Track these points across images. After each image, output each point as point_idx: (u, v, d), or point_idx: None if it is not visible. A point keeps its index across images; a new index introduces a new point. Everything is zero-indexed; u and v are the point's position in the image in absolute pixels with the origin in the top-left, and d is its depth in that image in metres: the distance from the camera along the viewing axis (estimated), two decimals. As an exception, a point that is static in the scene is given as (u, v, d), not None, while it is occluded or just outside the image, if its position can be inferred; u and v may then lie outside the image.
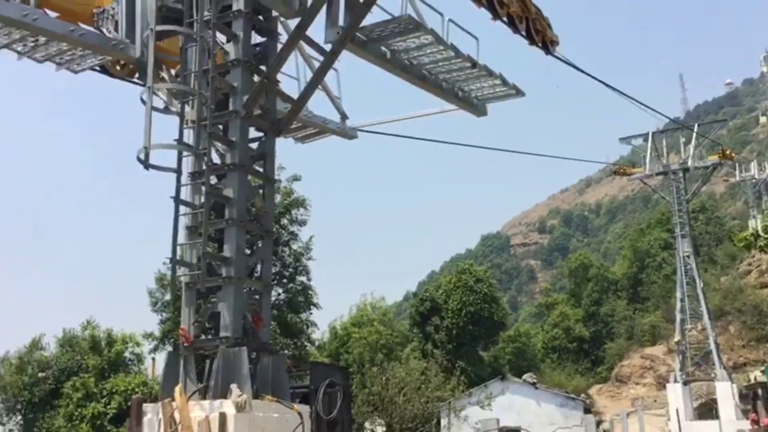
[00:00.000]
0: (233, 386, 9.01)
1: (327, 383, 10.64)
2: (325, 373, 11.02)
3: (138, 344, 41.76)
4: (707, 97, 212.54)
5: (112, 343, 42.23)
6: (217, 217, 10.23)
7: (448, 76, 12.80)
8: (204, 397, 9.40)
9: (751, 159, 63.99)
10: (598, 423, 48.05)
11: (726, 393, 40.19)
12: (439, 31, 11.48)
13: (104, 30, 11.31)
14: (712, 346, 41.45)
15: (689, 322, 42.72)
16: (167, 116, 10.95)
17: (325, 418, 10.38)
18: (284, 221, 32.51)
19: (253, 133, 10.74)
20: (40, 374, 42.29)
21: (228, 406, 8.85)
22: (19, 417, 42.75)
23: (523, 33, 12.38)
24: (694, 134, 45.53)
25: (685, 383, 41.74)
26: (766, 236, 54.05)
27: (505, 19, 11.80)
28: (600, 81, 16.84)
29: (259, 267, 10.68)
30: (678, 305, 43.32)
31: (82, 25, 11.09)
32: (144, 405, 9.78)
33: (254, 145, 10.78)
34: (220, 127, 10.40)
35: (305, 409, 9.86)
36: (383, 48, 11.68)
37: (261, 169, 10.83)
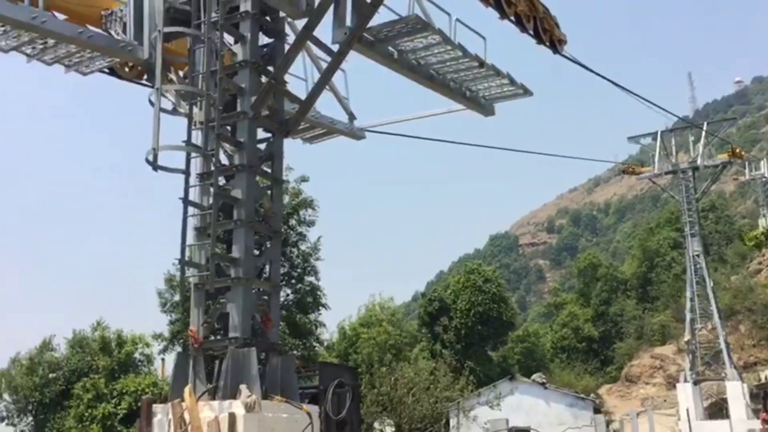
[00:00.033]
0: (242, 387, 9.02)
1: (336, 383, 10.64)
2: (334, 374, 11.02)
3: (148, 345, 41.96)
4: (716, 95, 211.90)
5: (122, 344, 42.42)
6: (225, 218, 10.25)
7: (456, 75, 12.78)
8: (213, 398, 9.41)
9: (761, 157, 63.49)
10: (608, 423, 47.88)
11: (736, 392, 40.00)
12: (447, 30, 11.47)
13: (112, 32, 11.36)
14: (723, 346, 41.25)
15: (699, 321, 42.53)
16: (175, 117, 10.99)
17: (334, 418, 10.38)
18: (292, 222, 32.57)
19: (261, 134, 10.75)
20: (50, 375, 42.51)
21: (237, 407, 8.87)
22: (30, 418, 42.99)
23: (531, 32, 12.35)
24: (704, 133, 45.31)
25: (695, 383, 41.56)
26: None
27: (512, 18, 11.77)
28: (608, 80, 16.78)
29: (267, 268, 10.69)
30: (688, 304, 43.13)
31: (91, 28, 11.14)
32: (154, 405, 9.80)
33: (262, 146, 10.79)
34: (228, 128, 10.42)
35: (314, 409, 9.86)
36: (390, 48, 11.68)
37: (269, 170, 10.83)
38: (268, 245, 10.86)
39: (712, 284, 43.13)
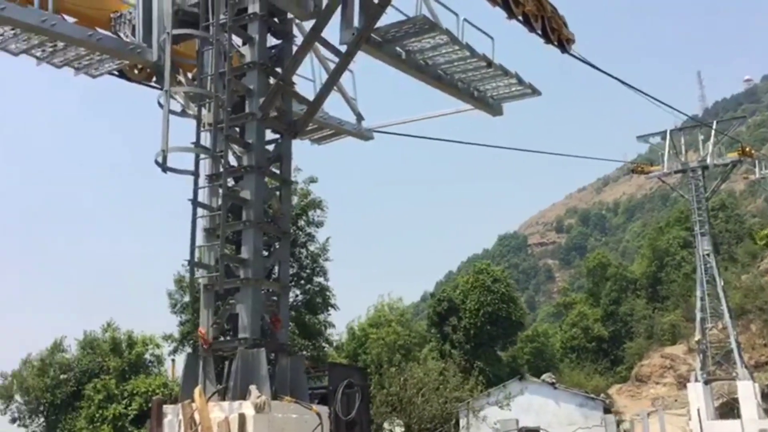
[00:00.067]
0: (252, 387, 9.04)
1: (345, 384, 10.65)
2: (343, 374, 11.03)
3: (158, 346, 42.10)
4: (726, 94, 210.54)
5: (133, 345, 42.58)
6: (234, 219, 10.28)
7: (464, 75, 12.78)
8: (223, 398, 9.44)
9: (771, 156, 63.26)
10: (618, 423, 47.73)
11: (748, 392, 39.80)
12: (454, 31, 11.46)
13: (121, 34, 11.41)
14: (733, 345, 41.07)
15: (710, 320, 42.34)
16: (184, 119, 11.02)
17: (343, 418, 10.40)
18: (301, 223, 32.61)
19: (269, 135, 10.78)
20: (61, 376, 42.70)
21: (247, 407, 8.89)
22: (42, 419, 43.18)
23: (539, 32, 12.33)
24: (713, 131, 45.10)
25: (706, 382, 41.38)
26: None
27: (520, 17, 11.75)
28: (617, 79, 16.73)
29: (276, 268, 10.71)
30: (698, 304, 42.94)
31: (100, 30, 11.20)
32: (164, 406, 9.84)
33: (271, 147, 10.82)
34: (237, 129, 10.45)
35: (324, 409, 9.88)
36: (398, 48, 11.69)
37: (278, 171, 10.86)
38: (277, 246, 10.88)
39: (722, 283, 42.94)
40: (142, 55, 11.09)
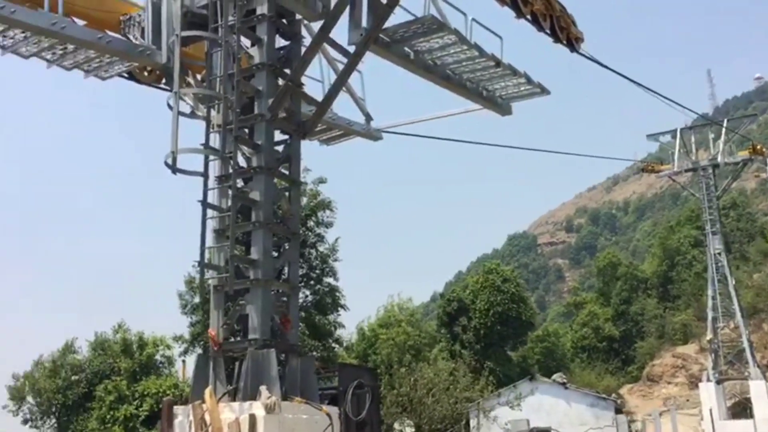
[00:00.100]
0: (262, 388, 9.05)
1: (355, 384, 10.65)
2: (353, 375, 11.03)
3: (168, 347, 42.25)
4: (736, 92, 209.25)
5: (144, 346, 42.74)
6: (244, 220, 10.30)
7: (472, 75, 12.76)
8: (234, 399, 9.46)
9: (782, 154, 62.84)
10: (630, 423, 47.54)
11: (760, 391, 39.56)
12: (463, 30, 11.45)
13: (131, 37, 11.47)
14: (746, 344, 40.85)
15: (721, 320, 42.12)
16: (193, 121, 11.06)
17: (354, 419, 10.40)
18: (310, 223, 32.62)
19: (278, 135, 10.80)
20: (73, 377, 42.92)
21: (257, 408, 8.90)
22: (53, 420, 43.43)
23: (548, 31, 12.31)
24: (724, 130, 44.87)
25: (718, 382, 41.16)
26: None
27: (528, 17, 11.75)
28: (626, 78, 16.69)
29: (286, 269, 10.72)
30: (710, 303, 42.73)
31: (109, 33, 11.26)
32: (175, 407, 9.86)
33: (280, 148, 10.84)
34: (246, 130, 10.47)
35: (334, 410, 9.88)
36: (407, 49, 11.69)
37: (287, 172, 10.88)
38: (287, 247, 10.89)
39: (734, 282, 42.72)
40: (151, 57, 11.14)
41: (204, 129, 10.22)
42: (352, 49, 10.77)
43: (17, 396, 43.34)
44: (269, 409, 8.82)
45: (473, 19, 11.52)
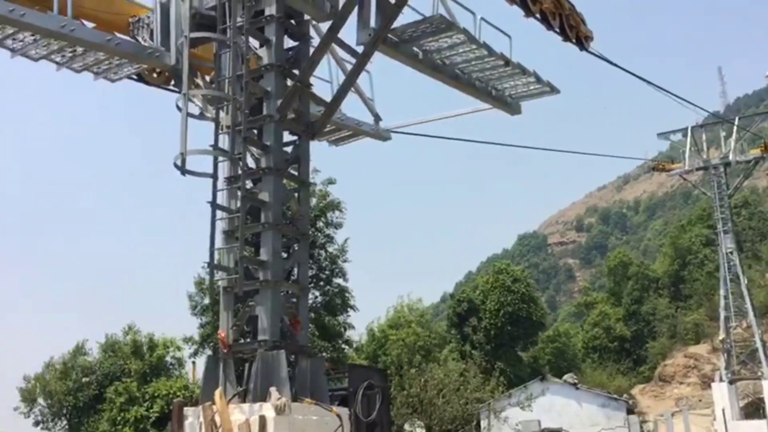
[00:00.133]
0: (272, 389, 9.04)
1: (366, 385, 10.62)
2: (363, 375, 11.01)
3: (179, 348, 42.34)
4: (747, 89, 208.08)
5: (154, 347, 42.86)
6: (253, 221, 10.30)
7: (481, 75, 12.72)
8: (244, 400, 9.46)
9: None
10: (642, 423, 47.35)
11: (773, 391, 39.30)
12: (471, 30, 11.42)
13: (140, 39, 11.50)
14: (758, 344, 40.59)
15: (734, 319, 41.87)
16: (202, 122, 11.07)
17: (364, 420, 10.37)
18: (320, 224, 32.64)
19: (287, 136, 10.79)
20: (84, 379, 43.09)
21: (267, 409, 8.89)
22: (65, 421, 43.61)
23: (557, 29, 12.26)
24: (735, 128, 44.58)
25: (730, 382, 40.90)
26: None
27: (538, 15, 11.70)
28: (636, 76, 16.62)
29: (295, 270, 10.71)
30: (722, 302, 42.49)
31: (118, 35, 11.29)
32: (185, 408, 9.87)
33: (289, 149, 10.83)
34: (255, 131, 10.47)
35: (344, 411, 9.86)
36: (415, 48, 11.66)
37: (296, 173, 10.87)
38: (296, 248, 10.88)
39: (746, 281, 42.46)
40: (160, 59, 11.15)
41: (213, 130, 10.24)
42: (360, 49, 10.75)
43: (28, 398, 43.56)
44: (279, 411, 8.81)
45: (482, 18, 11.50)
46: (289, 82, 10.63)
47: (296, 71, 10.78)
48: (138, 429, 38.38)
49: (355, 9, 10.49)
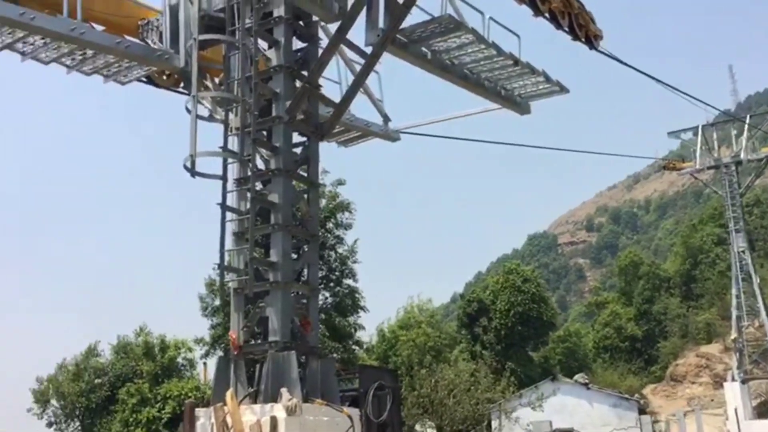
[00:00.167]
0: (283, 390, 9.06)
1: (376, 386, 10.62)
2: (374, 376, 11.01)
3: (190, 350, 42.46)
4: (758, 87, 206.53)
5: (165, 348, 42.98)
6: (263, 223, 10.32)
7: (490, 74, 12.70)
8: (255, 401, 9.48)
9: (806, 150, 61.94)
10: (654, 423, 47.14)
11: (787, 391, 39.08)
12: (480, 29, 11.41)
13: (149, 41, 11.55)
14: (771, 343, 40.33)
15: (746, 318, 41.61)
16: (212, 124, 11.10)
17: (375, 420, 10.36)
18: (329, 225, 32.67)
19: (296, 138, 10.80)
20: (96, 381, 43.27)
21: (279, 410, 8.90)
22: (77, 423, 43.81)
23: (566, 29, 12.23)
24: (746, 126, 44.31)
25: (743, 381, 40.65)
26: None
27: (547, 15, 11.67)
28: (646, 74, 16.55)
29: (305, 271, 10.73)
30: (734, 302, 42.24)
31: (128, 38, 11.33)
32: (197, 409, 9.90)
33: (298, 150, 10.84)
34: (264, 133, 10.49)
35: (355, 412, 9.86)
36: (424, 49, 11.66)
37: (305, 174, 10.88)
38: (306, 249, 10.90)
39: (758, 280, 42.19)
40: (169, 62, 11.19)
41: (222, 132, 10.27)
42: (369, 50, 10.76)
43: (41, 399, 43.81)
44: (290, 411, 8.82)
45: (490, 18, 11.48)
46: (298, 84, 10.64)
47: (305, 72, 10.80)
48: (150, 430, 38.48)
49: (364, 10, 10.50)
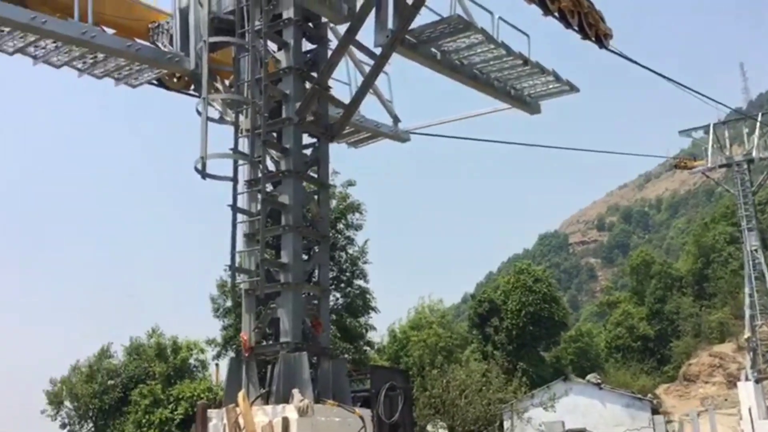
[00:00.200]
0: (295, 391, 9.07)
1: (388, 386, 10.61)
2: (385, 377, 11.01)
3: (202, 351, 42.65)
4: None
5: (178, 350, 43.17)
6: (273, 224, 10.34)
7: (500, 74, 12.68)
8: (267, 402, 9.50)
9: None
10: (667, 423, 46.91)
11: (800, 390, 38.78)
12: (489, 29, 11.39)
13: (159, 44, 11.62)
14: (785, 342, 40.06)
15: (759, 317, 41.31)
16: (222, 126, 11.15)
17: (386, 421, 10.36)
18: (340, 226, 32.70)
19: (306, 139, 10.82)
20: (109, 382, 43.50)
21: (290, 411, 8.92)
22: (91, 424, 44.05)
23: (576, 27, 12.19)
24: (758, 124, 43.99)
25: (756, 381, 40.36)
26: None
27: (556, 14, 11.64)
28: (657, 73, 16.48)
29: (316, 272, 10.75)
30: (747, 301, 41.95)
31: (139, 41, 11.40)
32: (209, 411, 9.94)
33: (308, 152, 10.86)
34: (274, 134, 10.51)
35: (367, 412, 9.86)
36: (433, 49, 11.66)
37: (315, 175, 10.90)
38: (317, 250, 10.92)
39: (772, 279, 41.87)
40: (180, 64, 11.25)
41: (232, 134, 10.30)
42: (378, 50, 10.76)
43: (55, 401, 44.09)
44: (302, 412, 8.83)
45: (500, 18, 11.47)
46: (308, 85, 10.66)
47: (314, 74, 10.81)
48: (163, 431, 38.68)
49: (373, 11, 10.51)
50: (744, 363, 43.81)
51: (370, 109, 13.95)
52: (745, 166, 43.84)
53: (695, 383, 60.23)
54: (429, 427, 31.50)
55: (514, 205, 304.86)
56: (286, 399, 9.15)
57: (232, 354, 31.05)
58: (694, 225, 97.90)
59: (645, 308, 71.54)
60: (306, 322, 10.11)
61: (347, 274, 33.53)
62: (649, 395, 51.25)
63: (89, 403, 43.04)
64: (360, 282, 33.98)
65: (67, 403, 44.11)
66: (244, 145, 10.21)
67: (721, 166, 45.20)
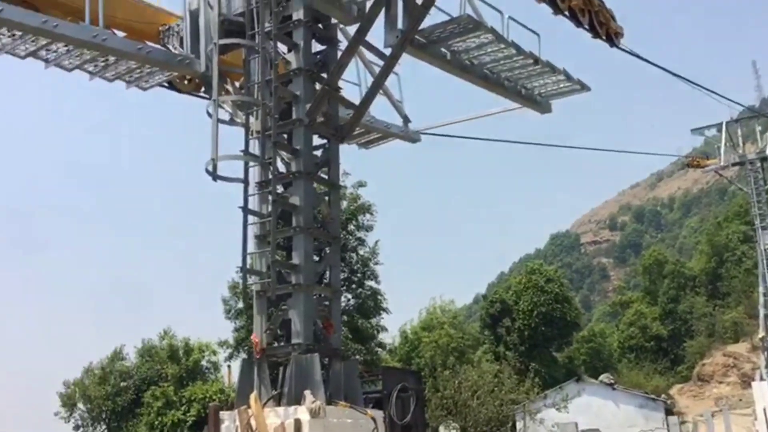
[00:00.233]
0: (307, 392, 9.06)
1: (400, 388, 10.59)
2: (397, 378, 10.99)
3: (214, 352, 42.79)
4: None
5: (190, 352, 43.35)
6: (284, 226, 10.33)
7: (510, 74, 12.64)
8: (278, 404, 9.49)
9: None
10: (681, 424, 46.61)
11: (816, 390, 38.40)
12: (499, 29, 11.37)
13: (170, 47, 11.65)
14: (799, 342, 39.68)
15: (774, 317, 40.97)
16: (233, 128, 11.16)
17: (398, 422, 10.34)
18: (351, 227, 32.72)
19: (316, 140, 10.82)
20: (122, 384, 43.75)
21: (302, 413, 8.91)
22: (104, 426, 44.33)
23: (586, 26, 12.14)
24: (772, 121, 43.71)
25: (771, 381, 40.05)
26: None
27: (566, 13, 11.58)
28: (669, 71, 16.39)
29: (327, 273, 10.74)
30: (761, 300, 41.58)
31: (149, 43, 11.44)
32: (221, 412, 9.94)
33: (318, 153, 10.86)
34: (285, 135, 10.51)
35: (379, 414, 9.84)
36: (443, 49, 11.64)
37: (326, 176, 10.90)
38: (328, 251, 10.91)
39: (786, 278, 41.52)
40: (190, 66, 11.28)
41: (243, 136, 10.32)
42: (388, 51, 10.75)
43: (68, 403, 44.37)
44: (314, 414, 8.83)
45: (509, 17, 11.43)
46: (318, 86, 10.66)
47: (324, 75, 10.81)
48: (175, 432, 38.83)
49: (382, 11, 10.49)
50: (758, 363, 43.47)
51: (380, 109, 13.96)
52: (759, 164, 43.47)
53: (709, 383, 59.81)
54: (441, 428, 31.44)
55: (526, 205, 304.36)
56: (298, 400, 9.15)
57: (244, 355, 31.14)
58: (707, 224, 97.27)
59: (658, 308, 71.11)
60: (317, 324, 10.10)
61: (358, 275, 33.54)
62: (663, 396, 50.95)
63: (102, 405, 43.29)
64: (371, 283, 34.02)
65: (80, 405, 44.41)
66: (254, 147, 10.22)
67: (734, 165, 44.86)
